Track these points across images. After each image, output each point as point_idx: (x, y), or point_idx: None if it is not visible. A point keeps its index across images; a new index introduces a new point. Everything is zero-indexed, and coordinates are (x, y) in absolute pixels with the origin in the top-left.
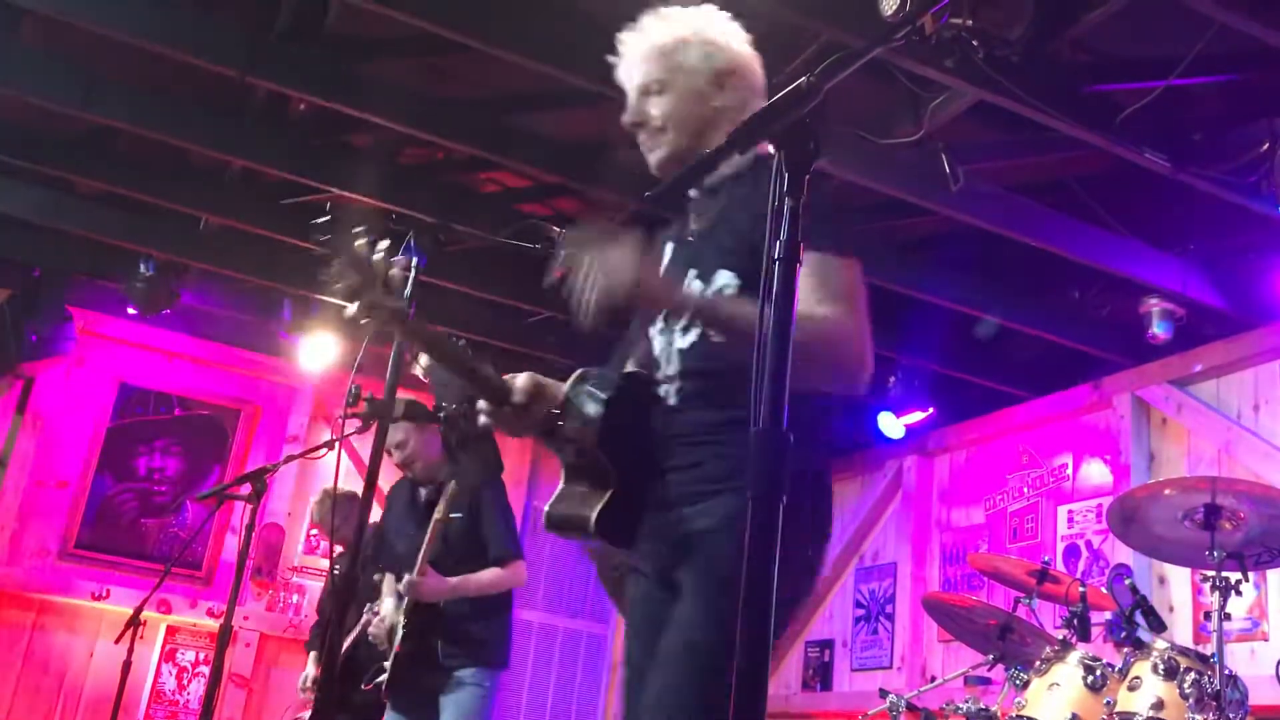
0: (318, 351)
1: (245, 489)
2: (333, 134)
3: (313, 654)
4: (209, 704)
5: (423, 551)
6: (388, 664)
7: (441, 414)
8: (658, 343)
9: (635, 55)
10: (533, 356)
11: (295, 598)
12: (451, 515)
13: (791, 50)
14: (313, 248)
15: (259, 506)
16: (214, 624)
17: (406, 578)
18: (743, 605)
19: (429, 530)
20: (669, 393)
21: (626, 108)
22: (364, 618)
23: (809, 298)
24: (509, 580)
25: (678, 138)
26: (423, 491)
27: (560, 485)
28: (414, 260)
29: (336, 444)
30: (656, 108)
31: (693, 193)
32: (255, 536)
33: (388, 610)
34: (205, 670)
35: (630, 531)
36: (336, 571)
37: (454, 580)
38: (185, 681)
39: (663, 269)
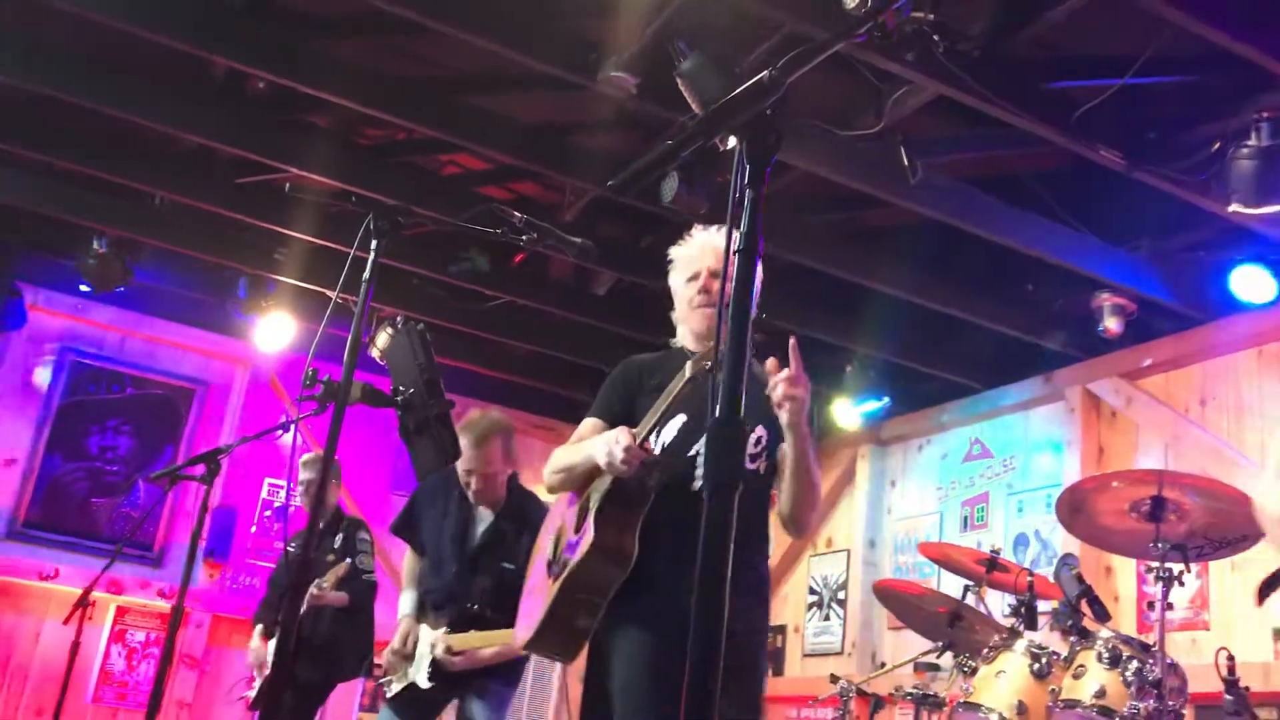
0: (273, 332)
1: (199, 470)
2: (291, 112)
3: (259, 627)
4: (159, 684)
5: (476, 637)
6: (396, 683)
7: (399, 398)
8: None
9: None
10: (491, 341)
11: (248, 579)
12: (505, 566)
13: (754, 40)
14: (269, 226)
15: (212, 487)
16: (165, 605)
17: (444, 641)
18: (697, 593)
19: (480, 635)
20: None
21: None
22: (309, 592)
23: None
24: None
25: None
26: (480, 520)
27: None
28: (373, 244)
29: (293, 426)
30: None
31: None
32: (208, 517)
33: (407, 618)
34: (155, 651)
35: None
36: (291, 550)
37: (489, 652)
38: (135, 662)
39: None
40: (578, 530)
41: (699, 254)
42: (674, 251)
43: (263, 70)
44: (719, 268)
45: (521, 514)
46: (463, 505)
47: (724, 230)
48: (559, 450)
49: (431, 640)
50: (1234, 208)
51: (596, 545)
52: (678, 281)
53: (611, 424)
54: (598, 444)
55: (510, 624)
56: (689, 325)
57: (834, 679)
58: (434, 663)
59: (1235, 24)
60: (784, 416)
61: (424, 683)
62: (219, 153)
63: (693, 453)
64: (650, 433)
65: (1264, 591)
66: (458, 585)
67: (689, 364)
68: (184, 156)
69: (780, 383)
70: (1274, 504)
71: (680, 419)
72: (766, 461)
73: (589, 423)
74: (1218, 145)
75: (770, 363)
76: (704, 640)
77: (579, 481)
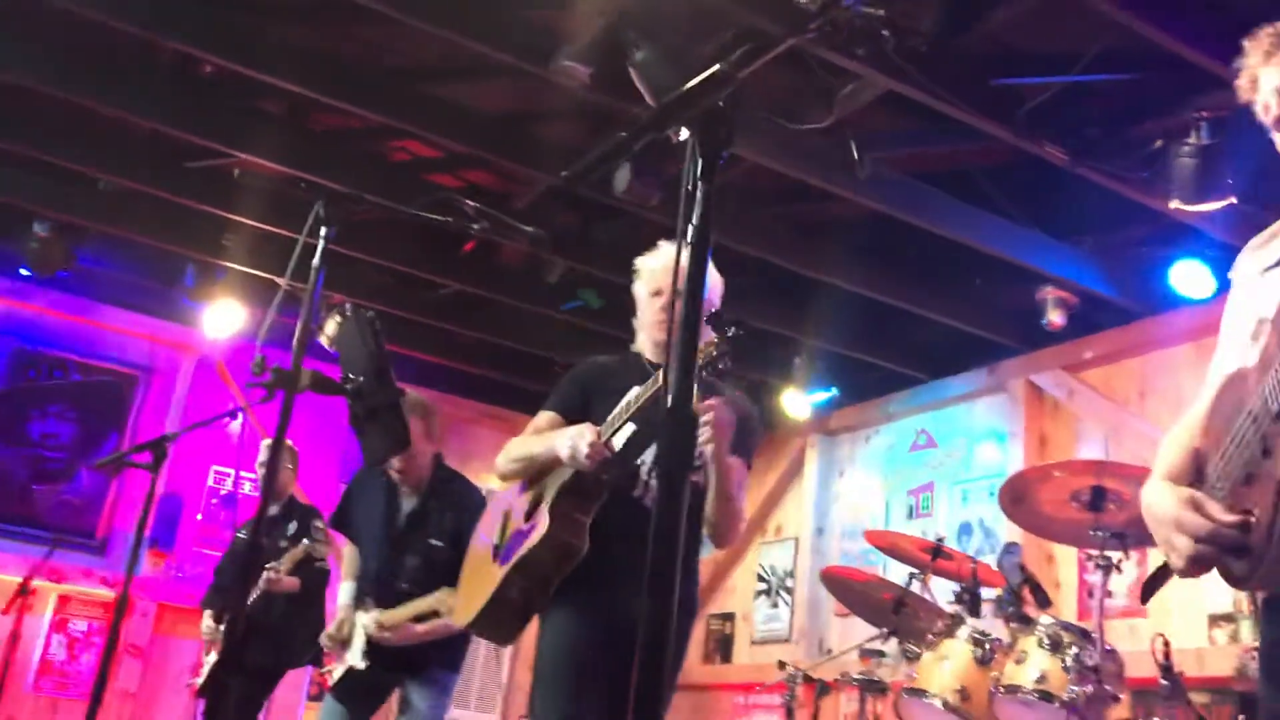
0: (222, 318)
1: (145, 457)
2: (241, 97)
3: (207, 612)
4: (103, 674)
5: (403, 609)
6: (338, 667)
7: (349, 386)
8: None
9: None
10: (442, 330)
11: (193, 567)
12: (433, 543)
13: (707, 32)
14: (218, 212)
15: (159, 475)
16: (108, 593)
17: (374, 618)
18: (648, 577)
19: (416, 602)
20: None
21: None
22: (264, 574)
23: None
24: None
25: None
26: (405, 503)
27: None
28: (323, 231)
29: (241, 414)
30: None
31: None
32: (154, 505)
33: (346, 612)
34: (99, 641)
35: None
36: (242, 536)
37: (423, 629)
38: (77, 652)
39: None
40: (529, 519)
41: (664, 271)
42: (640, 262)
43: (211, 54)
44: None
45: (447, 492)
46: (389, 489)
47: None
48: (517, 440)
49: (364, 621)
50: (1174, 204)
51: (549, 535)
52: (641, 292)
53: (568, 419)
54: (563, 437)
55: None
56: (650, 335)
57: (781, 665)
58: (369, 642)
59: (1176, 25)
60: (705, 451)
61: (359, 663)
62: (167, 137)
63: (639, 461)
64: (613, 434)
65: (1146, 593)
66: (386, 566)
67: (660, 373)
68: (131, 140)
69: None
70: (1160, 506)
71: (630, 428)
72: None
73: (546, 415)
74: (1159, 143)
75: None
76: (655, 624)
77: (535, 471)
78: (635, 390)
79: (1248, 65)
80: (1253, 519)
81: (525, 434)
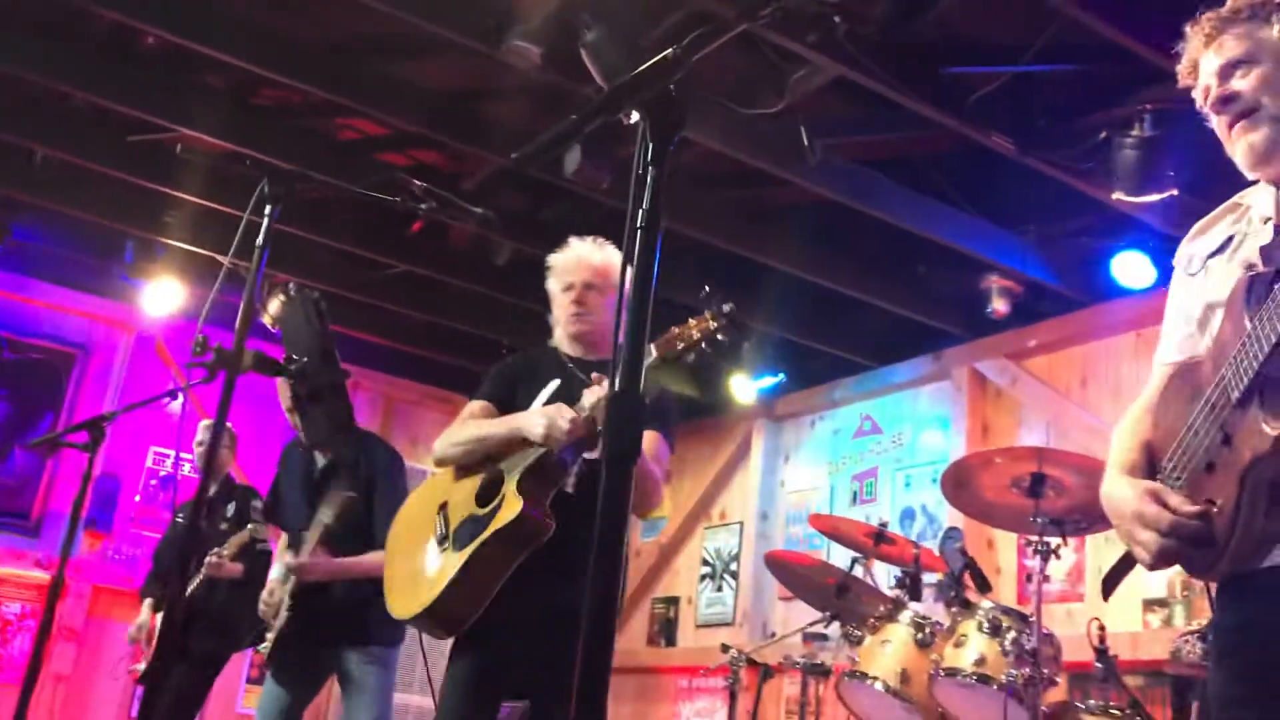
0: (161, 296)
1: (82, 437)
2: (184, 71)
3: (147, 601)
4: (36, 658)
5: (310, 535)
6: (270, 635)
7: (292, 367)
8: None
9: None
10: (388, 310)
11: (131, 549)
12: (346, 494)
13: (660, 12)
14: (159, 187)
15: (95, 455)
16: (43, 576)
17: (289, 558)
18: (593, 562)
19: (316, 523)
20: None
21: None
22: (207, 559)
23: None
24: None
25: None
26: (319, 460)
27: None
28: (267, 210)
29: (181, 394)
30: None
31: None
32: (90, 486)
33: (276, 581)
34: (32, 624)
35: None
36: (180, 520)
37: (340, 561)
38: (9, 635)
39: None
40: (485, 503)
41: (575, 267)
42: (552, 259)
43: (152, 25)
44: (592, 280)
45: (357, 444)
46: (306, 451)
47: (600, 244)
48: (463, 425)
49: (286, 567)
50: (1117, 195)
51: (524, 514)
52: (554, 288)
53: (500, 409)
54: (531, 417)
55: (355, 549)
56: (565, 330)
57: (725, 648)
58: (294, 600)
59: (1123, 18)
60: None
61: (284, 615)
62: (106, 110)
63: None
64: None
65: (1107, 586)
66: (304, 519)
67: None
68: (69, 113)
69: (593, 394)
70: (1120, 500)
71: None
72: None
73: (479, 404)
74: (1104, 135)
75: (595, 375)
76: (598, 605)
77: (481, 455)
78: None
79: (1188, 50)
80: (1214, 509)
81: (461, 421)
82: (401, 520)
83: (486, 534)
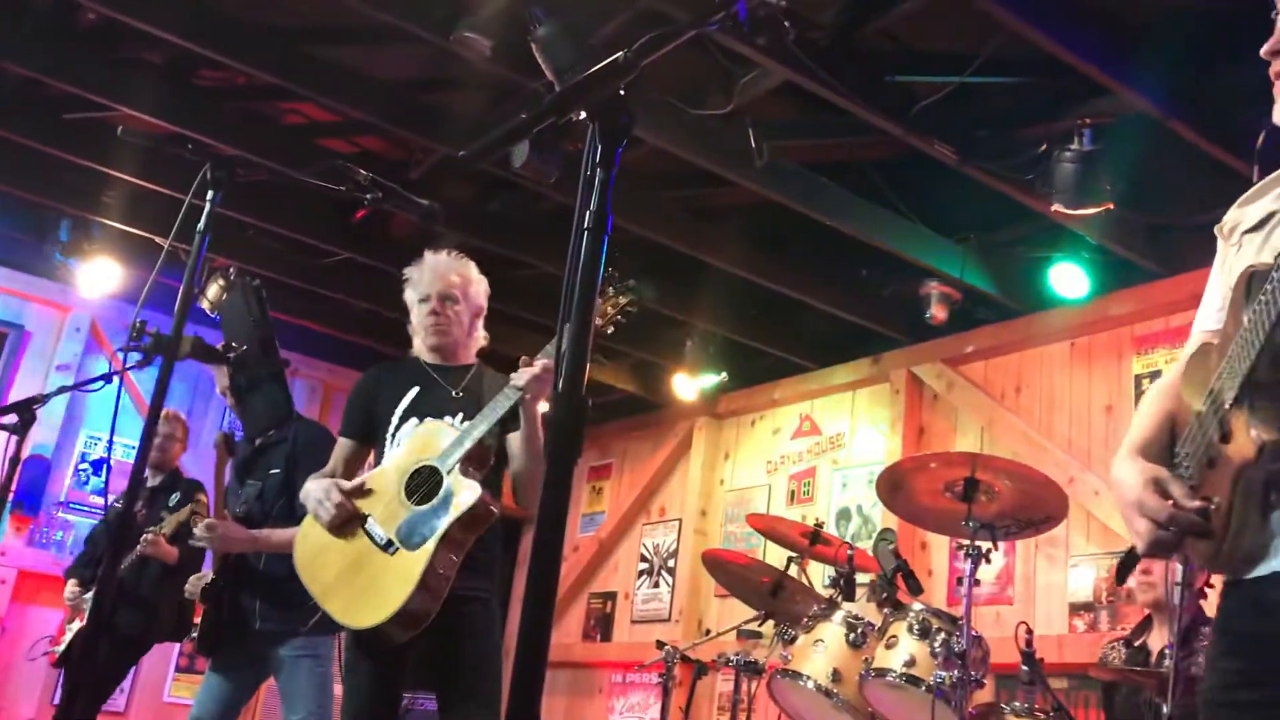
0: (97, 277)
1: (11, 419)
2: (125, 49)
3: (72, 580)
4: None
5: (215, 499)
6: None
7: (231, 354)
8: None
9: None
10: (329, 298)
11: (60, 534)
12: (272, 471)
13: (611, 9)
14: (96, 166)
15: (25, 438)
16: None
17: (202, 523)
18: (531, 559)
19: (215, 475)
20: None
21: None
22: (144, 536)
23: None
24: None
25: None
26: (258, 442)
27: None
28: (209, 194)
29: (116, 378)
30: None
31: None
32: (19, 469)
33: (208, 570)
34: None
35: None
36: (116, 505)
37: (253, 532)
38: None
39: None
40: (426, 500)
41: (430, 278)
42: (409, 271)
43: (92, 1)
44: (448, 292)
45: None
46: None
47: (456, 256)
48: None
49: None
50: (1055, 207)
51: (482, 497)
52: (411, 299)
53: (360, 439)
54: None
55: (278, 525)
56: (423, 340)
57: (660, 645)
58: (218, 571)
59: (1065, 34)
60: (526, 405)
61: (199, 589)
62: (43, 86)
63: None
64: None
65: (1121, 572)
66: (240, 503)
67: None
68: (3, 88)
69: (526, 374)
70: (1125, 485)
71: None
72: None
73: (342, 443)
74: (1044, 147)
75: (524, 359)
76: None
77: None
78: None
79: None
80: (1213, 505)
81: (329, 468)
82: (310, 551)
83: (449, 521)
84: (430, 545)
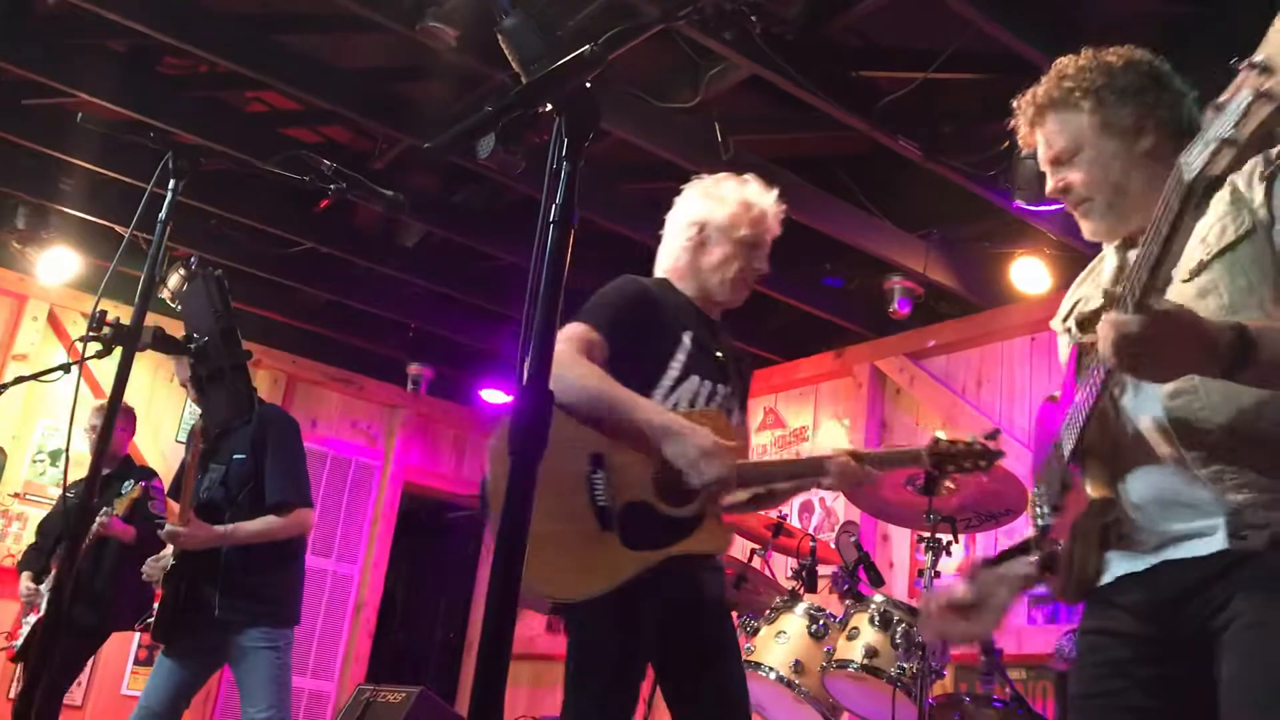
0: (54, 265)
1: None
2: (85, 34)
3: (25, 574)
4: None
5: (183, 498)
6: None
7: (192, 345)
8: None
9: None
10: (291, 288)
11: (15, 525)
12: (235, 456)
13: (578, 2)
14: (54, 153)
15: None
16: None
17: (168, 526)
18: (495, 553)
19: (184, 475)
20: None
21: None
22: (97, 519)
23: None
24: (286, 529)
25: None
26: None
27: None
28: (171, 183)
29: (74, 368)
30: None
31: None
32: None
33: (168, 551)
34: None
35: None
36: (70, 495)
37: (221, 529)
38: None
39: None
40: (673, 502)
41: (773, 225)
42: (729, 188)
43: None
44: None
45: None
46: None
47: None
48: (594, 372)
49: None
50: (1018, 203)
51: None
52: (727, 227)
53: (614, 351)
54: (683, 441)
55: (241, 515)
56: (719, 287)
57: None
58: (177, 560)
59: (1027, 30)
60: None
61: (165, 583)
62: (1, 71)
63: None
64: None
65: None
66: (202, 490)
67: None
68: None
69: (841, 467)
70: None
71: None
72: None
73: (597, 338)
74: (1007, 144)
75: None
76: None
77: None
78: None
79: (1020, 126)
80: (1057, 548)
81: (583, 351)
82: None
83: (675, 550)
84: (639, 560)
